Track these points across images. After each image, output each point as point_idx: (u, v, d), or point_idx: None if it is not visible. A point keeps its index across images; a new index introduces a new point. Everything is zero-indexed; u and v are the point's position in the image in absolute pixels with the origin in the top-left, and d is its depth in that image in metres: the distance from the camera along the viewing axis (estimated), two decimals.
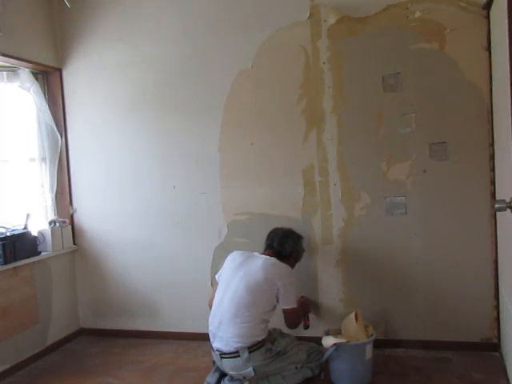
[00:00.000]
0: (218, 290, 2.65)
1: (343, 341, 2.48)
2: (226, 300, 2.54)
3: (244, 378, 2.51)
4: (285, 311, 2.60)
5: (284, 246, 2.72)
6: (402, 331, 2.95)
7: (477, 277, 2.80)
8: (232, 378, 2.57)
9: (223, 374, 2.61)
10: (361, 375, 2.56)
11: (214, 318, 2.57)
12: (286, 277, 2.57)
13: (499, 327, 2.77)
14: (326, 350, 2.53)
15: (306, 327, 2.92)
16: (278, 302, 2.57)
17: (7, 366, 2.94)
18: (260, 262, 2.58)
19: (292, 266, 2.73)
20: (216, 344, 2.53)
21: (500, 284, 2.71)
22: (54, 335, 3.34)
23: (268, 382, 2.52)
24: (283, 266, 2.60)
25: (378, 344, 2.94)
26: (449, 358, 2.77)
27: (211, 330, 2.58)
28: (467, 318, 2.83)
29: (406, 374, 2.63)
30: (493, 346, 2.80)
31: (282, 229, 2.81)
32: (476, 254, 2.79)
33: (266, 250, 2.76)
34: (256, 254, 2.70)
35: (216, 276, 2.76)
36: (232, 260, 2.71)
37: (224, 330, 2.50)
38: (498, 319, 2.78)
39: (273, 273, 2.54)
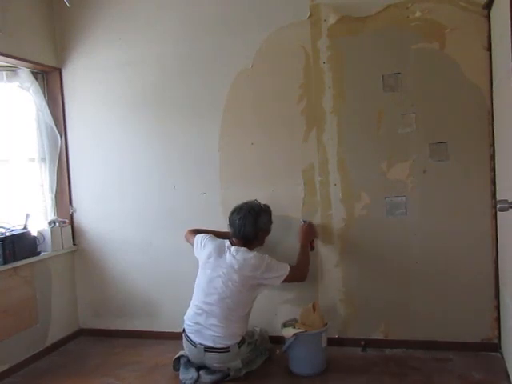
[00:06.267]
0: (200, 287, 2.71)
1: (302, 331, 2.65)
2: (212, 303, 2.63)
3: (229, 369, 2.64)
4: (286, 280, 2.70)
5: (245, 232, 2.71)
6: (402, 331, 2.95)
7: (477, 277, 2.79)
8: (210, 370, 2.64)
9: (196, 368, 2.68)
10: (317, 362, 2.73)
11: (200, 316, 2.65)
12: (260, 265, 2.63)
13: (500, 327, 2.77)
14: (287, 340, 2.68)
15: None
16: (269, 285, 2.72)
17: (6, 367, 2.93)
18: (232, 260, 2.64)
19: (261, 243, 2.83)
20: (201, 340, 2.62)
21: (500, 284, 2.71)
22: (54, 335, 3.34)
23: (246, 368, 2.69)
24: (251, 258, 2.64)
25: (378, 344, 2.96)
26: (449, 358, 2.77)
27: (193, 325, 2.66)
28: (467, 318, 2.82)
29: (406, 374, 2.63)
30: (493, 347, 2.80)
31: (240, 211, 2.75)
32: (476, 254, 2.79)
33: (232, 236, 2.78)
34: (226, 243, 2.74)
35: (199, 240, 2.84)
36: (209, 248, 2.74)
37: (214, 330, 2.61)
38: (498, 319, 2.77)
39: (246, 269, 2.62)
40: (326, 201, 3.01)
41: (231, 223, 2.78)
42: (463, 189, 2.79)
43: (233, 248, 2.71)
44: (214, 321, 2.61)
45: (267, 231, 2.84)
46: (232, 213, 2.79)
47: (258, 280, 2.65)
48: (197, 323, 2.66)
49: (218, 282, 2.64)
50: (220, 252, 2.71)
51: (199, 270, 2.79)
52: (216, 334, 2.60)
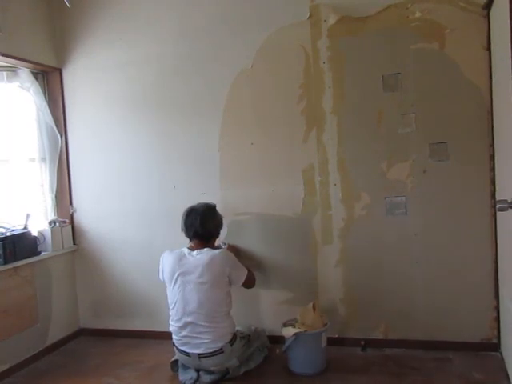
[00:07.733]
0: (175, 304, 2.68)
1: (302, 330, 2.65)
2: (192, 312, 2.60)
3: (227, 368, 2.64)
4: (244, 283, 2.74)
5: (209, 230, 2.75)
6: (402, 331, 2.95)
7: (477, 277, 2.79)
8: (208, 371, 2.64)
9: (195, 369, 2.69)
10: (317, 362, 2.73)
11: (185, 329, 2.63)
12: (228, 259, 2.67)
13: (499, 327, 2.77)
14: (287, 339, 2.68)
15: None
16: (232, 283, 2.69)
17: (7, 366, 2.93)
18: (197, 263, 2.61)
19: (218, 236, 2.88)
20: (193, 350, 2.61)
21: (500, 284, 2.71)
22: (54, 335, 3.34)
23: (245, 366, 2.72)
24: (217, 253, 2.65)
25: (378, 344, 2.96)
26: (449, 358, 2.77)
27: (181, 338, 2.65)
28: (467, 318, 2.83)
29: (405, 374, 2.63)
30: (493, 346, 2.80)
31: (196, 211, 2.74)
32: (476, 254, 2.79)
33: (193, 239, 2.74)
34: (185, 251, 2.71)
35: (160, 277, 2.82)
36: (169, 265, 2.71)
37: (203, 337, 2.60)
38: (498, 319, 2.78)
39: (216, 265, 2.61)
40: (326, 201, 3.01)
41: (190, 225, 2.72)
42: (463, 189, 2.79)
43: (194, 252, 2.67)
44: (200, 328, 2.58)
45: (222, 226, 2.87)
46: (187, 216, 2.74)
47: (227, 275, 2.64)
48: (184, 336, 2.63)
49: (191, 290, 2.60)
50: (182, 261, 2.66)
51: (167, 288, 2.74)
52: (206, 340, 2.58)
